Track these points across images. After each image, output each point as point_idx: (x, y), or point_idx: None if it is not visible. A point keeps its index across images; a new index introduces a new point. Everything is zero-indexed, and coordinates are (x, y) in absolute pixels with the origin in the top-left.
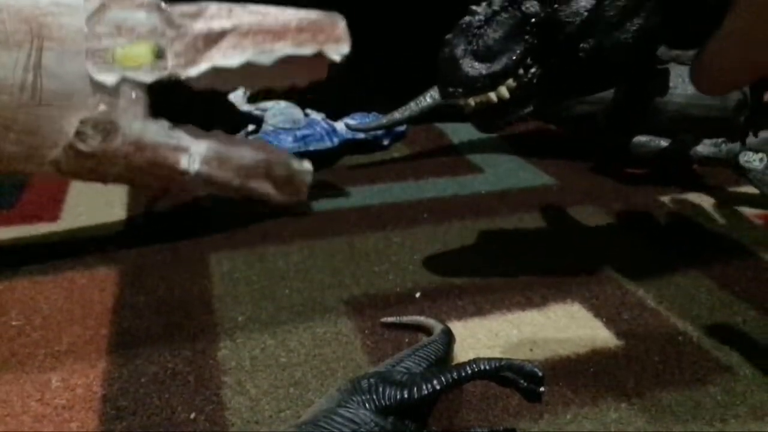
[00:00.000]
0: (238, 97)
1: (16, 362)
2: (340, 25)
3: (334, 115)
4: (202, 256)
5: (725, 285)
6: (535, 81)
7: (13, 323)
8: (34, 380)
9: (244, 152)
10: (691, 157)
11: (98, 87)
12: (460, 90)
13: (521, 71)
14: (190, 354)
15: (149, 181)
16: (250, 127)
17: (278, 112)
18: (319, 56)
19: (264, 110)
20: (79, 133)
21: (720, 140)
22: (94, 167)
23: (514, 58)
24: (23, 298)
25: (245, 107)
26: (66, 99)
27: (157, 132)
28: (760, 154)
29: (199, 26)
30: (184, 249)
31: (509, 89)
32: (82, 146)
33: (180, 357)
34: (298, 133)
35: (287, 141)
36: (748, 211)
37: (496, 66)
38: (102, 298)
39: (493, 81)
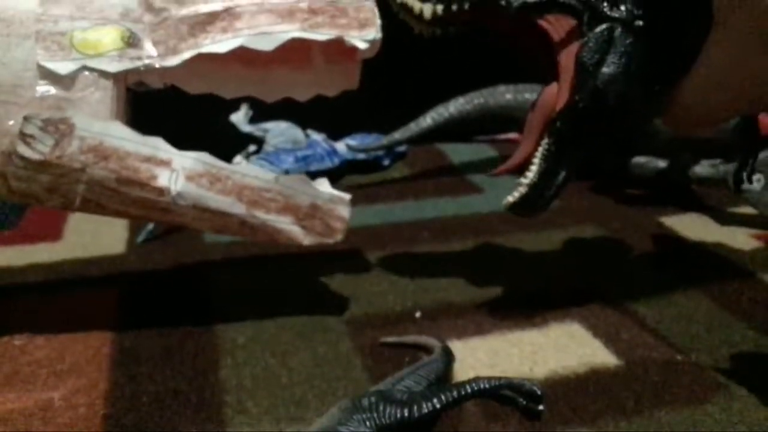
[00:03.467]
0: (239, 118)
1: (18, 381)
2: (367, 5)
3: (335, 135)
4: (203, 277)
5: (724, 305)
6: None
7: (16, 342)
8: (36, 399)
9: (249, 170)
10: (690, 178)
11: (49, 76)
12: None
13: (454, 7)
14: (191, 373)
15: (124, 205)
16: (251, 148)
17: (279, 132)
18: (348, 57)
19: (265, 131)
20: (24, 135)
21: (718, 161)
22: (51, 184)
23: None
24: (26, 317)
25: (246, 128)
26: (10, 92)
27: (125, 136)
28: (757, 175)
29: (185, 10)
30: (185, 268)
31: (433, 13)
32: (28, 152)
33: (181, 376)
34: (299, 154)
35: (288, 161)
36: (746, 231)
37: None
38: (104, 318)
39: None
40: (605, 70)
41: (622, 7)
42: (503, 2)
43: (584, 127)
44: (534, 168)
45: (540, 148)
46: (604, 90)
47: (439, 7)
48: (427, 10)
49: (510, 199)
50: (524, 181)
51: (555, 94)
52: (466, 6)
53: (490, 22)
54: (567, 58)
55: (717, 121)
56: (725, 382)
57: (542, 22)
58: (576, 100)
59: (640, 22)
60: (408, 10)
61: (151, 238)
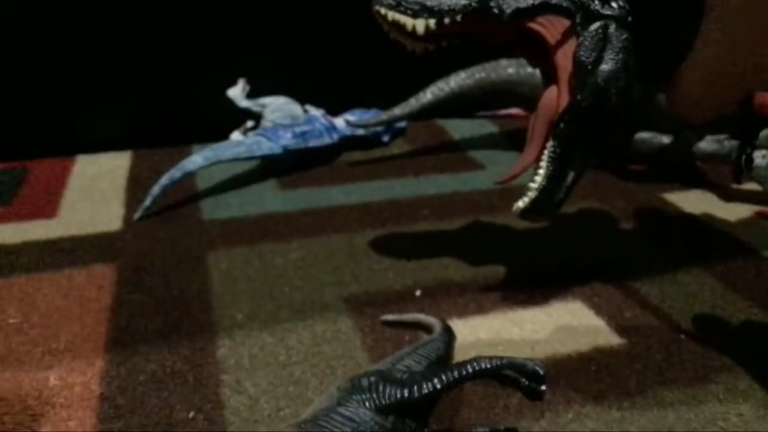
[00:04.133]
0: (236, 93)
1: (13, 360)
2: None
3: (334, 111)
4: (201, 254)
5: (728, 282)
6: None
7: (11, 321)
8: (31, 378)
9: None
10: (694, 154)
11: None
12: (390, 1)
13: (447, 20)
14: (188, 352)
15: None
16: (249, 123)
17: (277, 108)
18: None
19: (263, 106)
20: None
21: (722, 136)
22: None
23: (450, 5)
24: (20, 295)
25: (244, 103)
26: None
27: None
28: (763, 151)
29: None
30: (183, 247)
31: (426, 28)
32: None
33: (178, 355)
34: (298, 129)
35: (286, 137)
36: (751, 207)
37: (432, 2)
38: (100, 296)
39: (418, 11)
40: (604, 67)
41: (614, 4)
42: (496, 10)
43: (589, 126)
44: (542, 171)
45: (546, 151)
46: (605, 87)
47: (432, 21)
48: (420, 25)
49: (520, 204)
50: (533, 185)
51: (555, 97)
52: (459, 18)
53: (483, 32)
54: (564, 59)
55: (720, 107)
56: (729, 361)
57: (536, 26)
58: (578, 100)
59: (633, 17)
60: (400, 27)
61: (148, 214)
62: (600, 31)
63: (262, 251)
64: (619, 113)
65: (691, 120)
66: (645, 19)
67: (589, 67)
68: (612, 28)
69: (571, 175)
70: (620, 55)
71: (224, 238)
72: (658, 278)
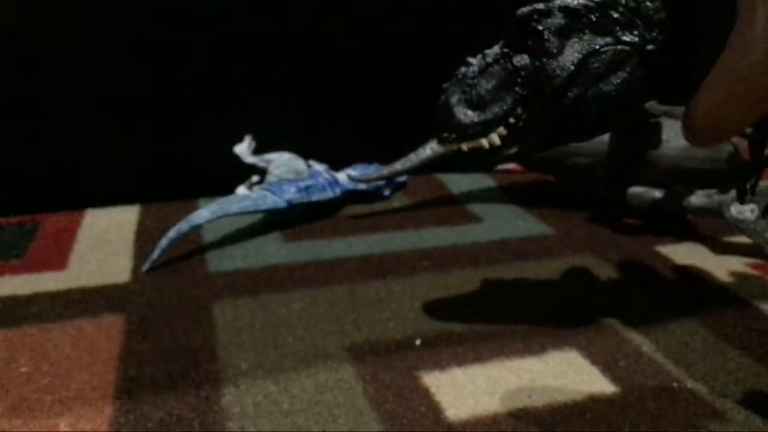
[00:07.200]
0: (242, 149)
1: (24, 408)
2: None
3: (337, 166)
4: (206, 305)
5: (719, 333)
6: (521, 125)
7: (22, 369)
8: (42, 426)
9: None
10: (685, 208)
11: None
12: (454, 136)
13: (512, 120)
14: (194, 400)
15: None
16: (254, 178)
17: (282, 163)
18: None
19: (268, 162)
20: None
21: (712, 191)
22: None
23: (504, 107)
24: (31, 345)
25: (250, 159)
26: None
27: None
28: (751, 205)
29: None
30: (189, 298)
31: (500, 136)
32: None
33: (185, 403)
34: (301, 184)
35: (290, 191)
36: (741, 260)
37: (488, 114)
38: (109, 346)
39: (484, 128)
40: (602, 87)
41: (636, 32)
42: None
43: (557, 120)
44: (500, 130)
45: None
46: (590, 102)
47: (501, 129)
48: (495, 138)
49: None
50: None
51: None
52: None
53: None
54: None
55: (740, 124)
56: (721, 409)
57: None
58: (566, 97)
59: (654, 45)
60: (478, 151)
61: (155, 266)
62: (623, 56)
63: (266, 302)
64: (586, 130)
65: (707, 139)
66: (669, 46)
67: (595, 74)
68: (631, 58)
69: (514, 148)
70: (620, 86)
71: (229, 289)
72: (651, 328)
